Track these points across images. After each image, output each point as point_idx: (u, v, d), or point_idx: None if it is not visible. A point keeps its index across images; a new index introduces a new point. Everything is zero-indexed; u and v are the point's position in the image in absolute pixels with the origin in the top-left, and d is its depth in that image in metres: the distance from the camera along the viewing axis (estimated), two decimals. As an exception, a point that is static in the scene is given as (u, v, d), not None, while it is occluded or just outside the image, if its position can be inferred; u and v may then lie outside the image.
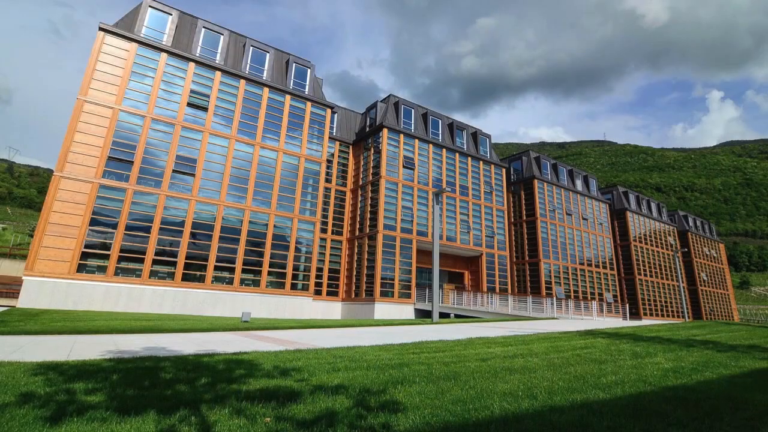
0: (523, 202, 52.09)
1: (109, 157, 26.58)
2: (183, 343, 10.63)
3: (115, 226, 26.07)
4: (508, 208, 51.07)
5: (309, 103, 35.63)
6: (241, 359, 7.86)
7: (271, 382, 5.91)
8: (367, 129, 42.82)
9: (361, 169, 41.54)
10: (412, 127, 42.39)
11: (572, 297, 48.24)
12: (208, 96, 30.83)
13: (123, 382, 5.65)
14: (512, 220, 52.45)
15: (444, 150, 43.73)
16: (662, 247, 67.55)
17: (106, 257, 25.54)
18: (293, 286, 31.64)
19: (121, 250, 26.02)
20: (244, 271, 29.82)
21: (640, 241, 63.82)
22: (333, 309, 38.11)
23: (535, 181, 51.31)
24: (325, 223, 39.54)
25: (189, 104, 29.99)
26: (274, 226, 31.68)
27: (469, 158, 45.81)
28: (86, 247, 25.07)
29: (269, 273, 30.78)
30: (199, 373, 6.37)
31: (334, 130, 42.74)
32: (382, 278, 35.65)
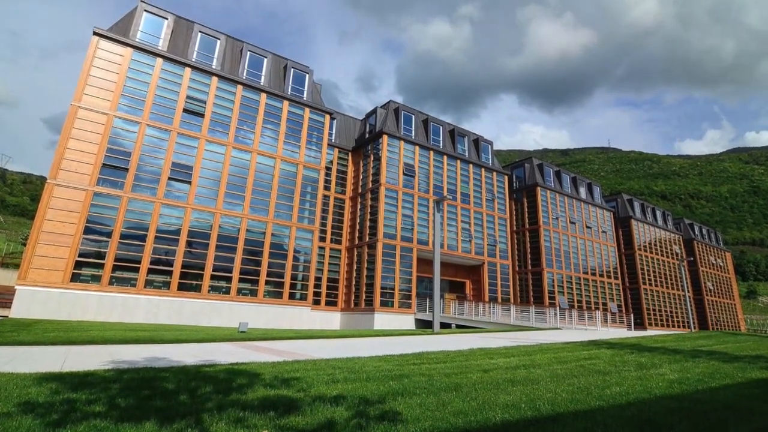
0: (526, 210, 52.13)
1: (104, 164, 26.65)
2: (179, 354, 10.63)
3: (109, 234, 26.09)
4: (510, 216, 51.07)
5: (307, 109, 35.77)
6: (239, 370, 7.87)
7: (269, 393, 5.93)
8: (367, 135, 42.95)
9: (361, 177, 41.61)
10: (413, 134, 42.52)
11: (576, 307, 48.15)
12: (204, 102, 30.95)
13: (121, 393, 5.67)
14: (514, 228, 52.47)
15: (445, 157, 43.83)
16: (667, 256, 67.54)
17: (101, 266, 25.54)
18: (291, 296, 31.61)
19: (116, 259, 26.01)
20: (241, 280, 29.80)
21: (645, 250, 63.82)
22: (332, 319, 38.04)
23: (538, 188, 51.40)
24: (323, 232, 39.54)
25: (185, 110, 30.09)
26: (272, 234, 31.70)
27: (471, 165, 45.91)
28: (80, 255, 25.08)
29: (267, 282, 30.76)
30: (197, 384, 6.39)
31: (333, 137, 42.84)
32: (381, 288, 35.62)
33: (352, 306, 37.57)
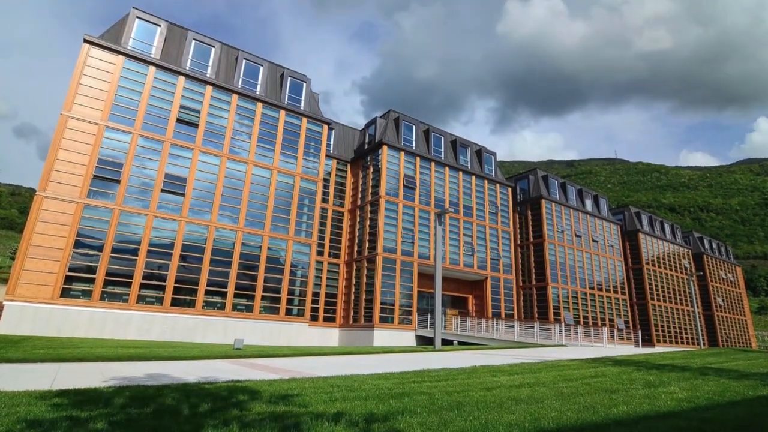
0: (530, 223, 52.20)
1: (95, 175, 26.70)
2: (173, 371, 10.63)
3: (100, 248, 26.09)
4: (514, 230, 51.05)
5: (305, 119, 35.96)
6: (235, 388, 7.89)
7: (267, 411, 5.95)
8: (366, 146, 43.13)
9: (360, 189, 41.71)
10: (413, 144, 42.69)
11: (582, 323, 48.03)
12: (198, 111, 31.09)
13: (116, 411, 5.69)
14: (518, 242, 52.48)
15: (447, 168, 43.98)
16: (676, 271, 67.50)
17: (92, 281, 25.51)
18: (288, 312, 31.56)
19: (107, 274, 25.99)
20: (236, 295, 29.75)
21: (653, 264, 63.80)
22: (330, 335, 37.92)
23: (543, 201, 51.50)
24: (321, 245, 39.49)
25: (178, 120, 30.22)
26: (268, 248, 31.71)
27: (473, 177, 46.04)
28: (70, 270, 25.06)
29: (263, 298, 30.71)
30: (193, 402, 6.41)
31: (331, 148, 43.01)
32: (381, 303, 35.55)
33: (351, 322, 37.48)
